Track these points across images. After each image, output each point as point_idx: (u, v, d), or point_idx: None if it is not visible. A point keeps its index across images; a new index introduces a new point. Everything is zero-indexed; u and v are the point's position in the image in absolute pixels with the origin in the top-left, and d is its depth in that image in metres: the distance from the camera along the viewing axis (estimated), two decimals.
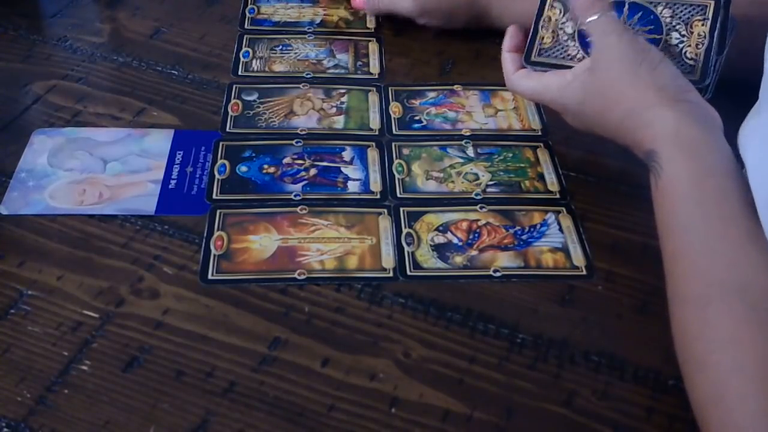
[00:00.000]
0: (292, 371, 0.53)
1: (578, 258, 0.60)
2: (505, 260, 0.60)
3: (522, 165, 0.67)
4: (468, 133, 0.70)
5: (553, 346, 0.55)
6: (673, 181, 0.53)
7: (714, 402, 0.45)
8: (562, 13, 0.65)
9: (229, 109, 0.71)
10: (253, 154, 0.67)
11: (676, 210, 0.52)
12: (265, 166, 0.66)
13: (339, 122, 0.71)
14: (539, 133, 0.70)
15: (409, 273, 0.59)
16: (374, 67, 0.77)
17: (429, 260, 0.59)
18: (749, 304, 0.46)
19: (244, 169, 0.66)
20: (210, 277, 0.58)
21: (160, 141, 0.68)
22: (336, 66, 0.77)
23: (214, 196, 0.64)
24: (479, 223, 0.62)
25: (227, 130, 0.70)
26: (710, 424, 0.45)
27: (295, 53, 0.78)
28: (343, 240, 0.61)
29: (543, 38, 0.65)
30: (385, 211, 0.63)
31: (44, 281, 0.58)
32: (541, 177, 0.66)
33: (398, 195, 0.64)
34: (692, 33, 0.62)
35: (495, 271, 0.59)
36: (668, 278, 0.52)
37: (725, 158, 0.53)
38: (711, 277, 0.49)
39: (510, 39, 0.67)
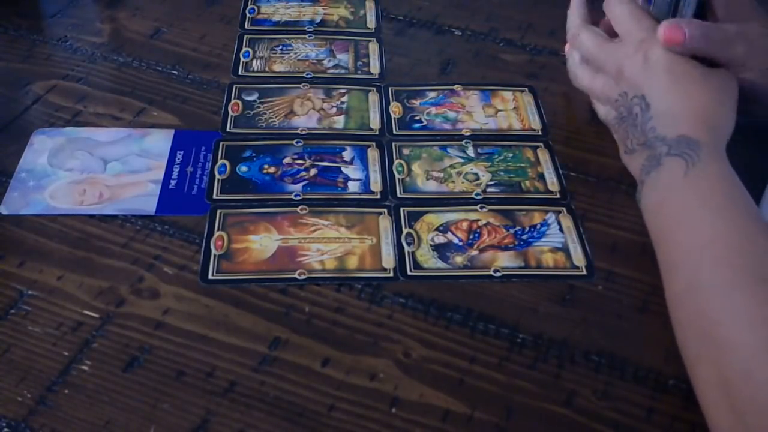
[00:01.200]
0: (292, 371, 0.53)
1: (578, 258, 0.60)
2: (505, 260, 0.60)
3: (522, 165, 0.67)
4: (468, 133, 0.70)
5: (553, 346, 0.55)
6: (708, 173, 0.54)
7: (743, 380, 0.45)
8: None
9: (230, 109, 0.71)
10: (254, 154, 0.67)
11: (705, 201, 0.53)
12: (266, 166, 0.66)
13: (339, 122, 0.71)
14: (539, 133, 0.70)
15: (409, 273, 0.59)
16: (374, 67, 0.77)
17: (429, 260, 0.59)
18: None
19: (244, 169, 0.66)
20: (210, 277, 0.58)
21: (160, 141, 0.69)
22: (336, 66, 0.77)
23: (214, 196, 0.64)
24: (479, 223, 0.62)
25: (227, 130, 0.70)
26: (736, 402, 0.45)
27: (295, 53, 0.78)
28: (343, 240, 0.61)
29: None
30: (386, 211, 0.63)
31: (44, 281, 0.58)
32: (541, 177, 0.66)
33: (398, 195, 0.64)
34: None
35: (495, 271, 0.59)
36: (687, 267, 0.52)
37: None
38: (737, 266, 0.49)
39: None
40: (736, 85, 0.61)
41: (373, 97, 0.73)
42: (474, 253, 0.60)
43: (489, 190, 0.65)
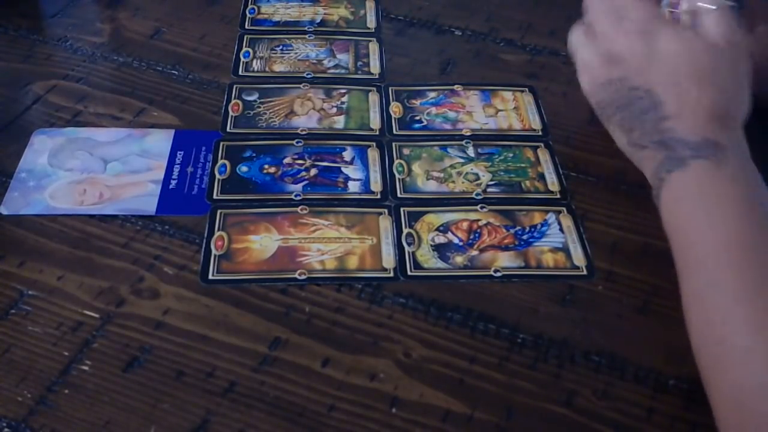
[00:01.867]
0: (292, 371, 0.53)
1: (578, 258, 0.60)
2: (505, 260, 0.60)
3: (522, 165, 0.67)
4: (468, 133, 0.70)
5: (554, 346, 0.55)
6: (733, 173, 0.54)
7: (759, 395, 0.44)
8: None
9: (230, 109, 0.71)
10: (254, 154, 0.67)
11: (727, 202, 0.53)
12: (266, 166, 0.66)
13: (339, 122, 0.71)
14: (539, 133, 0.70)
15: (409, 273, 0.59)
16: (374, 67, 0.77)
17: (429, 260, 0.59)
18: None
19: (244, 169, 0.66)
20: (210, 277, 0.58)
21: (160, 141, 0.69)
22: (336, 66, 0.77)
23: (214, 196, 0.64)
24: (480, 223, 0.62)
25: (228, 130, 0.70)
26: (751, 418, 0.45)
27: (296, 53, 0.78)
28: (343, 240, 0.61)
29: None
30: (386, 211, 0.63)
31: (45, 281, 0.58)
32: (541, 177, 0.66)
33: (399, 195, 0.64)
34: None
35: (495, 271, 0.59)
36: (702, 269, 0.51)
37: None
38: (753, 271, 0.49)
39: None
40: (747, 58, 0.59)
41: (373, 97, 0.73)
42: (474, 253, 0.60)
43: (489, 190, 0.65)
